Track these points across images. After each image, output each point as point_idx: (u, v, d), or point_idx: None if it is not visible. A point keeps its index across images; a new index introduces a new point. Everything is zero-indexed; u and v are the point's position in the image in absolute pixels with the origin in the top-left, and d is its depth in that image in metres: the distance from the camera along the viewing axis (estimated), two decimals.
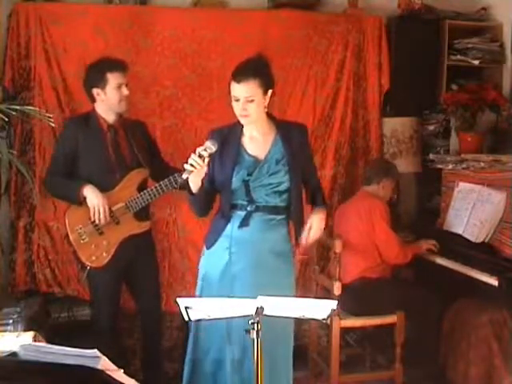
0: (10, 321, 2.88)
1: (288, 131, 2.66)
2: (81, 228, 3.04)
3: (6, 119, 3.17)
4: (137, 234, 3.10)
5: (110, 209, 3.02)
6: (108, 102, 3.06)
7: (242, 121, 2.58)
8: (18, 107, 3.13)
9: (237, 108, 2.55)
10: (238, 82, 2.51)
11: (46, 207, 3.60)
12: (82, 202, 3.01)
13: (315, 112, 3.97)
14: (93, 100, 3.10)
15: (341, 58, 3.97)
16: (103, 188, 3.03)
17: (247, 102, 2.52)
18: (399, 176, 3.79)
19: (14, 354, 1.68)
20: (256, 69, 2.54)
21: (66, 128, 3.19)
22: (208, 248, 2.68)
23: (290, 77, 3.86)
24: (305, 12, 3.93)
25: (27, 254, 3.61)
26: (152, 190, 3.07)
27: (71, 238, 3.05)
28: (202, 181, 2.52)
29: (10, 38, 3.52)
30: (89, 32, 3.59)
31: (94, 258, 3.04)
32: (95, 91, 3.05)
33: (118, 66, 3.05)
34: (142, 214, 3.13)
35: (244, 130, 2.63)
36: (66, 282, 3.65)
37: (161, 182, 3.07)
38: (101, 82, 3.03)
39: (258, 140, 2.64)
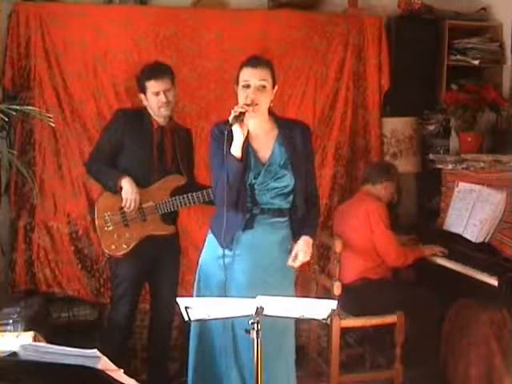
0: (10, 321, 2.89)
1: (290, 131, 2.62)
2: (109, 215, 3.11)
3: (6, 119, 3.17)
4: (161, 236, 3.15)
5: (140, 205, 3.10)
6: (150, 107, 3.15)
7: (249, 111, 2.46)
8: (17, 107, 3.14)
9: (244, 96, 2.50)
10: (253, 66, 2.53)
11: (45, 207, 3.61)
12: (117, 191, 3.08)
13: (315, 112, 3.96)
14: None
15: (341, 58, 3.97)
16: (138, 184, 3.09)
17: (258, 89, 2.50)
18: (399, 178, 3.78)
19: (14, 354, 1.67)
20: (268, 62, 2.61)
21: (116, 118, 3.22)
22: (227, 246, 2.59)
23: (290, 77, 3.86)
24: (305, 12, 3.93)
25: (27, 254, 3.62)
26: (184, 197, 3.12)
27: (97, 223, 3.12)
28: (242, 149, 2.47)
29: (10, 38, 3.52)
30: (89, 32, 3.59)
31: (113, 246, 3.11)
32: (141, 96, 3.17)
33: (156, 73, 3.12)
34: (169, 218, 3.18)
35: (248, 128, 2.55)
36: (66, 281, 3.66)
37: (194, 194, 3.11)
38: (143, 89, 3.15)
39: (261, 139, 2.61)
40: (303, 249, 2.57)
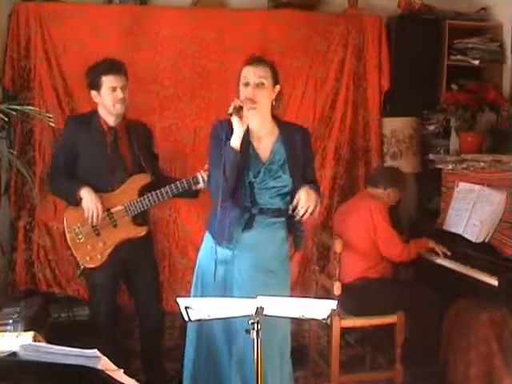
0: (10, 321, 2.88)
1: (290, 133, 2.65)
2: (78, 227, 3.04)
3: (6, 119, 3.18)
4: (134, 238, 3.10)
5: (109, 210, 3.04)
6: (104, 104, 3.06)
7: (248, 109, 2.48)
8: (18, 107, 3.14)
9: (244, 93, 2.53)
10: (253, 64, 2.56)
11: (45, 207, 3.61)
12: (79, 202, 3.01)
13: (315, 112, 3.97)
14: (95, 102, 3.11)
15: (341, 58, 3.97)
16: (102, 189, 3.03)
17: (257, 86, 2.52)
18: (405, 184, 3.77)
19: (13, 354, 1.67)
20: (268, 61, 2.63)
21: (66, 126, 3.18)
22: (220, 243, 2.60)
23: (290, 77, 3.86)
24: (305, 12, 3.94)
25: (27, 254, 3.62)
26: (152, 195, 3.07)
27: (68, 236, 3.06)
28: (242, 143, 2.47)
29: (10, 38, 3.53)
30: (89, 32, 3.60)
31: (88, 258, 3.05)
32: (93, 93, 3.07)
33: (114, 68, 3.04)
34: (140, 218, 3.13)
35: (250, 127, 2.57)
36: (66, 281, 3.66)
37: (162, 189, 3.06)
38: (96, 85, 3.04)
39: (262, 138, 2.63)
40: (305, 198, 2.46)
